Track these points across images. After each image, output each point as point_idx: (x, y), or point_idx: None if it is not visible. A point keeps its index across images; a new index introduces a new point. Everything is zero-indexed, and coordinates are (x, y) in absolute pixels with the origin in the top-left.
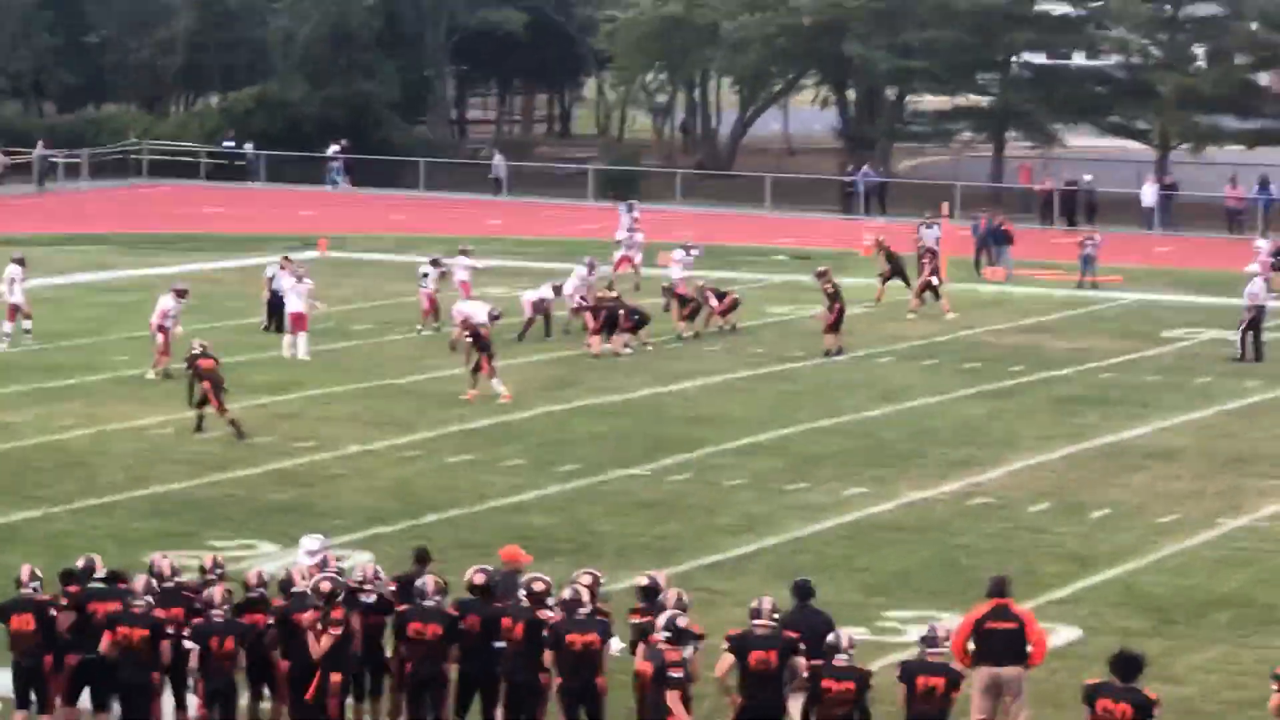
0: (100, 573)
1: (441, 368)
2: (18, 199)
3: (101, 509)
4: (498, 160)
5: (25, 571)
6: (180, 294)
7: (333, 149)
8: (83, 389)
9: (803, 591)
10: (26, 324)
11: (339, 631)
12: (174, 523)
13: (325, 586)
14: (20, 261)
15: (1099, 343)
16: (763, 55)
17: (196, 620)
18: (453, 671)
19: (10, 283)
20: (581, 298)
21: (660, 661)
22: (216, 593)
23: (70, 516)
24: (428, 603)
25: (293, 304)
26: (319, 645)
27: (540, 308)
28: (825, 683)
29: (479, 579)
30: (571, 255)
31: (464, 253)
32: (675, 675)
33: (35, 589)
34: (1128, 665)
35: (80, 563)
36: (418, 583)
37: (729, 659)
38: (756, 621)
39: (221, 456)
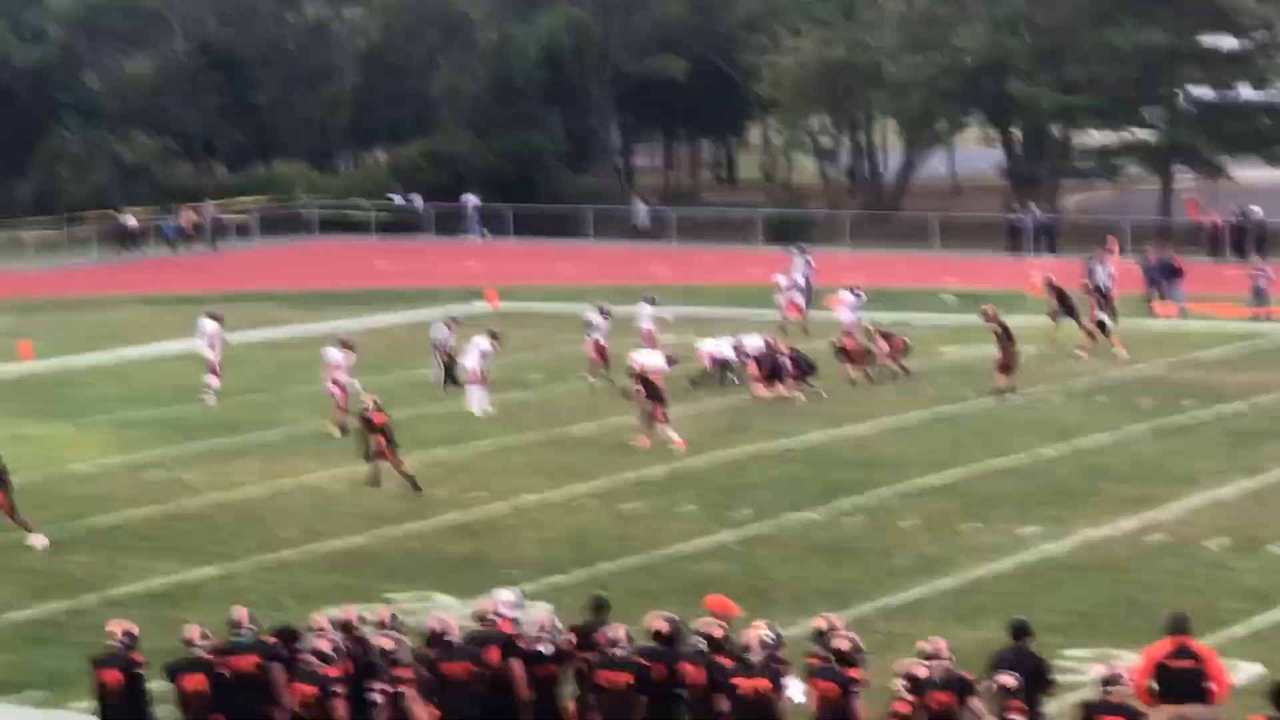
0: (245, 627)
1: (614, 416)
2: (191, 257)
3: (279, 565)
4: (640, 207)
5: (194, 631)
6: (346, 345)
7: (471, 203)
8: (258, 445)
9: (1018, 631)
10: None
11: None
12: (351, 577)
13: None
14: (217, 318)
15: (1274, 375)
16: (926, 96)
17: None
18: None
19: (210, 339)
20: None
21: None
22: (402, 646)
23: (249, 573)
24: (617, 651)
25: (473, 359)
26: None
27: (719, 362)
28: None
29: (663, 626)
30: (743, 301)
31: (648, 301)
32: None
33: (205, 649)
34: None
35: (232, 618)
36: (609, 633)
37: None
38: (932, 663)
39: (397, 510)
